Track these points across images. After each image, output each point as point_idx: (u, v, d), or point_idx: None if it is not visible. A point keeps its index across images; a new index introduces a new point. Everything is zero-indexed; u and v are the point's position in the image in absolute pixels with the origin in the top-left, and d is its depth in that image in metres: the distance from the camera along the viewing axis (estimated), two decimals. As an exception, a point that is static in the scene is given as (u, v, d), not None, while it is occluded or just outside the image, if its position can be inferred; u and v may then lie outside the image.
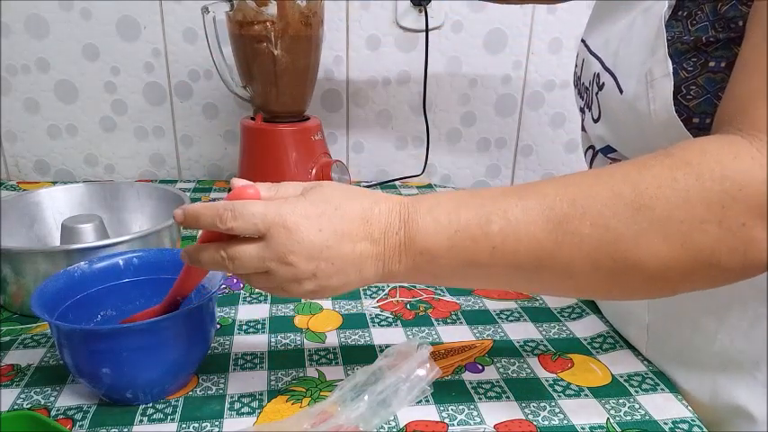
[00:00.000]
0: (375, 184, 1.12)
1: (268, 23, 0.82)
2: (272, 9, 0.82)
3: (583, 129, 0.60)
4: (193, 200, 1.00)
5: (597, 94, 0.52)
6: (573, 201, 0.38)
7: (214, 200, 1.01)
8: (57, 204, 0.76)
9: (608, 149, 0.53)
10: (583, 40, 0.58)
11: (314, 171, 0.87)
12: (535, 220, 0.38)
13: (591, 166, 0.58)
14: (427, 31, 1.04)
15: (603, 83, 0.50)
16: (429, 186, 1.13)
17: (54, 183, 1.07)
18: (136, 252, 0.57)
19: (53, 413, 0.47)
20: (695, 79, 0.42)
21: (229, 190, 1.06)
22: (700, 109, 0.42)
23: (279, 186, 0.44)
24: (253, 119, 0.89)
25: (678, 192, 0.35)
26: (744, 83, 0.38)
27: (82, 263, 0.54)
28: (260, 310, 0.64)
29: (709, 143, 0.37)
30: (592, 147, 0.57)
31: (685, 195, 0.35)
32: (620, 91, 0.47)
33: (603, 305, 0.65)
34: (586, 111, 0.56)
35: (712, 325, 0.49)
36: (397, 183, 1.14)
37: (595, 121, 0.53)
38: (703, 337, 0.50)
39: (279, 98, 0.88)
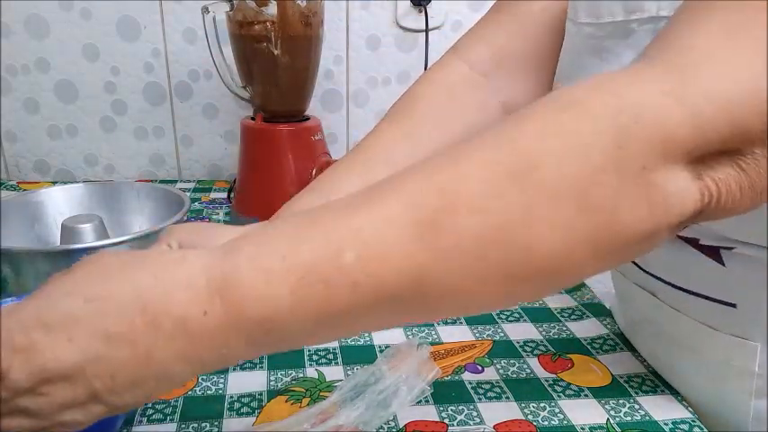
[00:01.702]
0: (375, 185, 1.12)
1: (268, 23, 0.82)
2: (272, 9, 0.81)
3: None
4: (193, 200, 1.00)
5: None
6: (442, 188, 0.28)
7: (214, 200, 1.01)
8: (57, 204, 0.75)
9: None
10: None
11: (314, 171, 0.86)
12: (401, 228, 0.27)
13: None
14: (427, 31, 1.04)
15: None
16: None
17: (54, 183, 1.07)
18: None
19: (53, 413, 0.47)
20: None
21: (229, 190, 1.04)
22: None
23: None
24: (253, 119, 0.89)
25: (567, 138, 0.27)
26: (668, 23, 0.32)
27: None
28: (260, 311, 0.64)
29: (603, 75, 0.29)
30: None
31: (576, 141, 0.27)
32: None
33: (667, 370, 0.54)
34: None
35: None
36: (397, 183, 1.14)
37: None
38: None
39: (279, 98, 0.88)
